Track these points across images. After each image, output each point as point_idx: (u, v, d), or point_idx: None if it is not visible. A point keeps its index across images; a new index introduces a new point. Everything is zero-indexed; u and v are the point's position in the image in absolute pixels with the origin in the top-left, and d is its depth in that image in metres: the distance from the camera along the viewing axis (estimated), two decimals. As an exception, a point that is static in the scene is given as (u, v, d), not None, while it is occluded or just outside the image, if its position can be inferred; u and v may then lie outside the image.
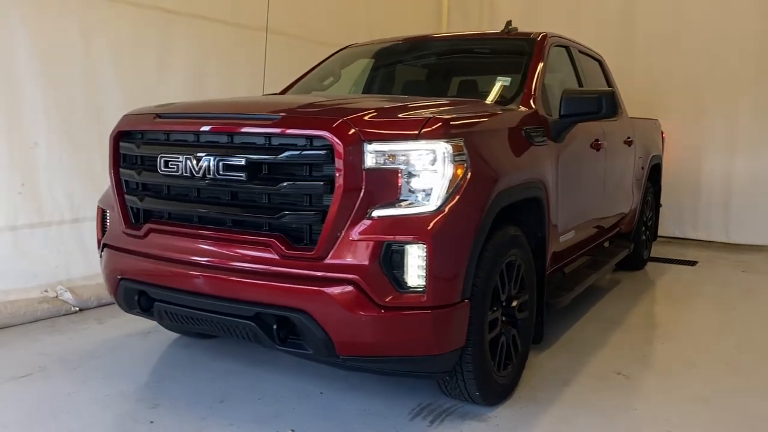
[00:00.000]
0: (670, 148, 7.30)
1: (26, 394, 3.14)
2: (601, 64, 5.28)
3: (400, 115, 2.72)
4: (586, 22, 7.92)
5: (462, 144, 2.66)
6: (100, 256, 3.29)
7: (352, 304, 2.51)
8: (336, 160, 2.50)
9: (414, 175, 2.58)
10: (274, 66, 5.97)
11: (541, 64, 3.84)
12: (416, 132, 2.58)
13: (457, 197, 2.61)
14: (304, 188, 2.58)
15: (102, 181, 4.77)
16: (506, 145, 3.05)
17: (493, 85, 3.82)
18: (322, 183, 2.55)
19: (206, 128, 2.76)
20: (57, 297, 4.46)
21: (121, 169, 3.10)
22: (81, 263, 4.73)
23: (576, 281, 4.19)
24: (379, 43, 4.67)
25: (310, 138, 2.58)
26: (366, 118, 2.62)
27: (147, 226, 2.97)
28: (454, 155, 2.61)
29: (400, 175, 2.57)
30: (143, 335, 4.01)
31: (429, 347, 2.60)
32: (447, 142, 2.60)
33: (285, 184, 2.58)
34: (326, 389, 3.22)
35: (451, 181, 2.60)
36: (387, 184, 2.57)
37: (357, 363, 2.71)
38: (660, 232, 7.08)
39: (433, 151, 2.57)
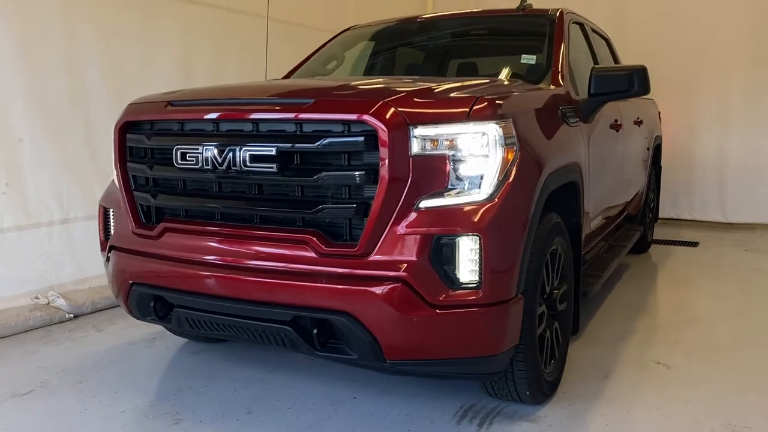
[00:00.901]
0: (664, 128, 7.20)
1: (32, 414, 2.86)
2: (608, 42, 5.12)
3: (444, 96, 2.49)
4: (575, 2, 7.75)
5: (511, 125, 2.45)
6: (106, 260, 3.00)
7: (401, 304, 2.29)
8: (380, 147, 2.27)
9: (463, 161, 2.36)
10: (258, 51, 5.70)
11: (564, 42, 3.64)
12: (466, 113, 2.35)
13: (509, 184, 2.40)
14: (344, 179, 2.34)
15: (91, 177, 4.50)
16: (548, 127, 2.85)
17: (517, 64, 3.61)
18: (363, 173, 2.31)
19: (229, 115, 2.50)
20: (49, 304, 4.16)
21: (128, 164, 2.83)
22: (72, 266, 4.43)
23: (601, 268, 4.03)
24: (383, 24, 4.42)
25: (347, 123, 2.34)
26: (409, 99, 2.39)
27: (161, 225, 2.71)
28: (505, 138, 2.40)
29: (447, 161, 2.35)
30: (148, 342, 3.73)
31: (484, 347, 2.40)
32: (497, 123, 2.38)
33: (322, 174, 2.34)
34: (359, 394, 3.00)
35: (501, 166, 2.39)
36: (434, 171, 2.35)
37: (405, 367, 2.49)
38: (656, 214, 7.01)
39: (485, 134, 2.36)
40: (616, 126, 4.14)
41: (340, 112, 2.35)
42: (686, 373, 3.25)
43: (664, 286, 5.01)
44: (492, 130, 2.36)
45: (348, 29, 4.57)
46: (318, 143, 2.34)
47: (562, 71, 3.43)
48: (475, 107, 2.37)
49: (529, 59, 3.54)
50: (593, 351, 3.52)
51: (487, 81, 2.79)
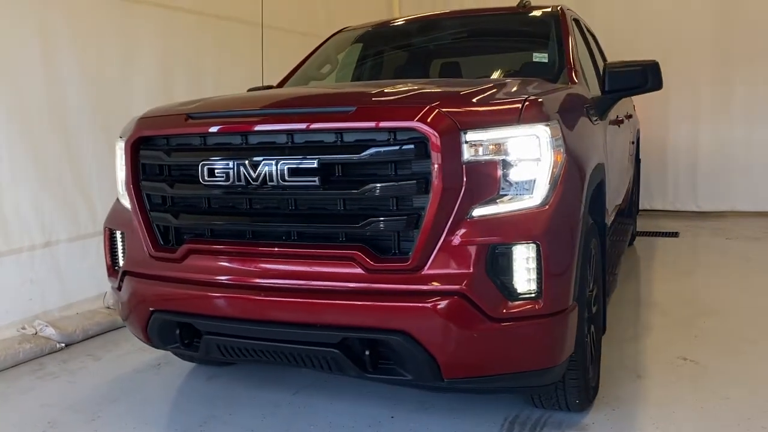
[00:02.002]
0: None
1: (47, 459, 2.63)
2: (594, 37, 5.11)
3: (491, 98, 2.38)
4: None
5: (558, 126, 2.36)
6: (118, 287, 2.78)
7: (460, 319, 2.18)
8: (432, 154, 2.15)
9: (514, 165, 2.25)
10: (238, 57, 5.51)
11: (571, 38, 3.59)
12: (516, 115, 2.25)
13: (560, 187, 2.30)
14: (394, 190, 2.20)
15: (74, 196, 4.23)
16: (581, 127, 2.78)
17: (527, 62, 3.53)
18: (414, 182, 2.18)
19: (262, 127, 2.33)
20: (37, 334, 3.88)
21: (142, 183, 2.62)
22: (57, 293, 4.16)
23: (613, 264, 4.00)
24: (379, 25, 4.30)
25: (393, 131, 2.21)
26: (457, 103, 2.27)
27: (184, 247, 2.51)
28: (554, 140, 2.30)
29: (498, 166, 2.24)
30: (154, 369, 3.51)
31: (545, 359, 2.30)
32: (547, 125, 2.29)
33: (370, 186, 2.20)
34: (395, 412, 2.87)
35: (552, 169, 2.29)
36: (485, 177, 2.23)
37: (463, 384, 2.37)
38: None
39: (536, 137, 2.26)
40: (617, 122, 4.12)
41: (385, 119, 2.22)
42: (716, 368, 3.22)
43: (661, 279, 5.02)
44: (543, 132, 2.27)
45: (339, 31, 4.42)
46: (364, 153, 2.20)
47: (575, 68, 3.37)
48: (525, 108, 2.27)
49: (541, 57, 3.47)
50: (617, 350, 3.48)
51: (518, 81, 2.69)
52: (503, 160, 2.24)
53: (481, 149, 2.22)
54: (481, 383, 2.38)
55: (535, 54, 3.53)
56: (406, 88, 2.47)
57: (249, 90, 4.06)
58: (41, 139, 4.02)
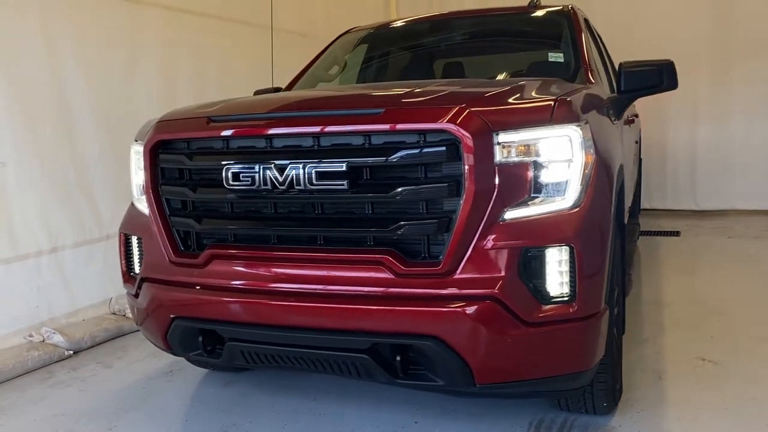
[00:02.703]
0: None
1: (67, 471, 2.57)
2: (599, 37, 5.09)
3: (522, 99, 2.34)
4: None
5: (588, 127, 2.33)
6: (135, 294, 2.72)
7: (494, 324, 2.14)
8: (465, 156, 2.11)
9: (546, 167, 2.21)
10: (239, 59, 5.46)
11: (585, 37, 3.57)
12: (548, 116, 2.22)
13: (591, 188, 2.27)
14: (425, 193, 2.17)
15: (79, 200, 4.17)
16: (606, 127, 2.76)
17: (542, 62, 3.51)
18: (446, 185, 2.15)
19: (290, 130, 2.29)
20: (45, 341, 3.81)
21: (162, 187, 2.56)
22: (63, 299, 4.10)
23: (629, 265, 3.98)
24: (388, 26, 4.26)
25: (423, 133, 2.17)
26: (489, 103, 2.23)
27: (207, 252, 2.46)
28: (584, 140, 2.27)
29: (529, 167, 2.21)
30: (166, 375, 3.46)
31: (580, 363, 2.27)
32: (578, 125, 2.26)
33: (401, 189, 2.16)
34: (420, 417, 2.83)
35: (583, 170, 2.26)
36: (517, 179, 2.19)
37: (495, 390, 2.33)
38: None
39: (568, 137, 2.22)
40: (628, 122, 4.10)
41: (415, 121, 2.18)
42: (737, 369, 3.21)
43: (668, 279, 5.01)
44: (574, 132, 2.24)
45: (347, 32, 4.38)
46: (394, 156, 2.16)
47: (591, 68, 3.35)
48: (557, 109, 2.23)
49: (557, 57, 3.44)
50: (635, 352, 3.46)
51: (543, 82, 2.65)
52: (535, 162, 2.21)
53: (513, 150, 2.18)
54: (513, 388, 2.34)
55: (550, 54, 3.50)
56: (435, 89, 2.43)
57: (256, 92, 4.01)
58: (46, 143, 3.96)
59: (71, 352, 3.83)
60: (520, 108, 2.28)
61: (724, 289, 4.63)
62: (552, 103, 2.25)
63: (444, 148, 2.14)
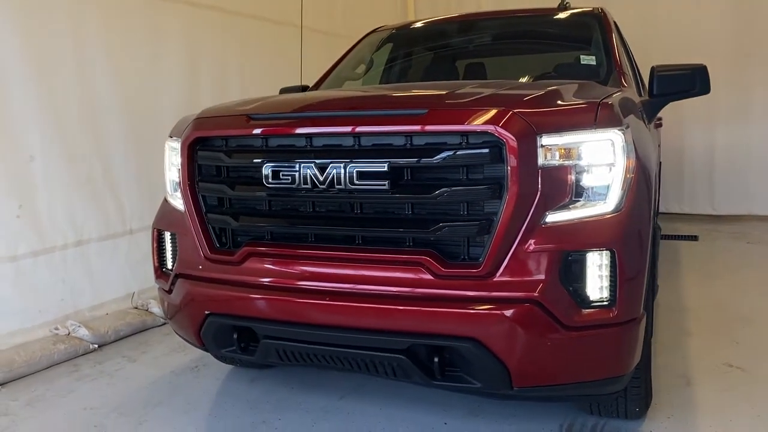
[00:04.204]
0: (655, 123, 7.29)
1: (99, 464, 2.58)
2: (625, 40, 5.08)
3: (566, 102, 2.33)
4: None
5: (629, 131, 2.32)
6: (169, 290, 2.73)
7: (534, 327, 2.14)
8: (509, 158, 2.10)
9: (588, 171, 2.21)
10: (264, 57, 5.47)
11: (616, 39, 3.55)
12: (592, 119, 2.21)
13: (632, 193, 2.26)
14: (467, 195, 2.17)
15: (104, 194, 4.18)
16: (642, 131, 2.74)
17: (572, 63, 3.50)
18: (488, 187, 2.14)
19: (332, 129, 2.29)
20: (70, 334, 3.83)
21: (199, 184, 2.57)
22: (88, 292, 4.12)
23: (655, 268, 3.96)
24: (420, 24, 4.25)
25: (466, 134, 2.17)
26: (533, 106, 2.23)
27: (244, 249, 2.47)
28: (626, 144, 2.26)
29: (571, 171, 2.20)
30: (192, 371, 3.47)
31: (618, 368, 2.27)
32: (621, 129, 2.25)
33: (443, 191, 2.16)
34: (449, 419, 2.83)
35: (625, 174, 2.25)
36: (559, 183, 2.19)
37: (532, 393, 2.33)
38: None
39: (611, 141, 2.21)
40: (657, 126, 4.08)
41: (459, 122, 2.17)
42: (764, 375, 3.20)
43: (691, 283, 5.00)
44: (617, 136, 2.23)
45: (373, 31, 4.38)
46: (437, 157, 2.16)
47: (624, 71, 3.34)
48: (600, 113, 2.23)
49: (589, 59, 3.43)
50: (661, 357, 3.45)
51: (579, 84, 2.64)
52: (578, 165, 2.20)
53: (556, 153, 2.18)
54: (550, 392, 2.34)
55: (582, 56, 3.49)
56: (476, 90, 2.42)
57: (282, 90, 4.02)
58: (73, 138, 3.98)
59: (96, 345, 3.84)
60: (564, 111, 2.27)
61: (746, 295, 4.61)
62: (596, 106, 2.24)
63: (487, 150, 2.14)
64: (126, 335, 4.05)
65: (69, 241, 3.98)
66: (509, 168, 2.11)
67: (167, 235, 2.83)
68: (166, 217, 2.84)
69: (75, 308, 4.01)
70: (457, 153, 2.16)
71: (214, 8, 5.03)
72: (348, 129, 2.26)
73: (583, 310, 2.17)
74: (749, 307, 4.32)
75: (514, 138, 2.10)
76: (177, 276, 2.68)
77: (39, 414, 3.02)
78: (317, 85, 4.01)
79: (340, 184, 2.25)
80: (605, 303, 2.18)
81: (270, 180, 2.35)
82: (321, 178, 2.27)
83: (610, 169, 2.23)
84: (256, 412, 2.96)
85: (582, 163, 2.20)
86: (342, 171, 2.24)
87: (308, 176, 2.28)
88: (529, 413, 2.83)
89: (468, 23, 4.17)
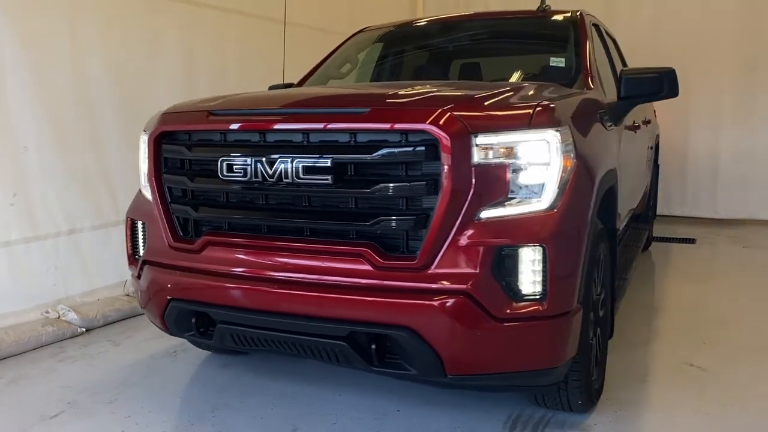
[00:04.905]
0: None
1: (67, 438, 2.75)
2: (615, 42, 5.13)
3: (504, 103, 2.43)
4: (566, 4, 7.75)
5: (569, 132, 2.41)
6: (138, 275, 2.89)
7: (465, 318, 2.24)
8: (443, 156, 2.21)
9: (524, 169, 2.31)
10: (268, 54, 5.60)
11: (589, 43, 3.62)
12: (527, 120, 2.30)
13: (568, 191, 2.35)
14: (404, 190, 2.27)
15: (98, 185, 4.36)
16: (594, 132, 2.82)
17: (543, 66, 3.58)
18: (424, 183, 2.25)
19: (280, 126, 2.42)
20: (60, 318, 4.01)
21: (164, 176, 2.71)
22: (80, 279, 4.29)
23: (625, 269, 4.03)
24: (400, 26, 4.36)
25: (405, 133, 2.27)
26: (469, 106, 2.33)
27: (203, 239, 2.60)
28: (564, 145, 2.35)
29: (507, 169, 2.30)
30: (170, 356, 3.62)
31: (547, 360, 2.36)
32: (557, 130, 2.34)
33: (381, 186, 2.27)
34: (402, 406, 2.94)
35: (561, 174, 2.34)
36: (494, 180, 2.29)
37: (466, 381, 2.43)
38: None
39: (546, 141, 2.31)
40: (633, 127, 4.14)
41: (398, 121, 2.28)
42: (723, 376, 3.25)
43: (674, 285, 5.03)
44: (553, 137, 2.32)
45: (360, 31, 4.49)
46: (376, 154, 2.27)
47: (592, 74, 3.41)
48: (536, 114, 2.32)
49: (558, 62, 3.50)
50: (624, 354, 3.51)
51: (532, 86, 2.74)
52: (513, 164, 2.30)
53: (491, 153, 2.27)
54: (483, 381, 2.45)
55: (552, 58, 3.57)
56: (420, 91, 2.53)
57: (270, 87, 4.16)
58: (68, 130, 4.15)
59: (84, 329, 4.02)
60: (500, 112, 2.37)
61: (729, 299, 4.63)
62: (532, 108, 2.33)
63: (424, 148, 2.24)
64: (114, 320, 4.22)
65: (62, 230, 4.16)
66: (444, 165, 2.22)
67: (139, 224, 2.98)
68: (138, 207, 2.99)
69: (67, 294, 4.19)
70: (396, 150, 2.27)
71: (211, 6, 5.18)
72: (294, 126, 2.39)
73: (515, 303, 2.27)
74: (727, 309, 4.35)
75: (448, 137, 2.20)
76: (144, 262, 2.83)
77: (20, 390, 3.20)
78: (301, 83, 4.13)
79: (288, 178, 2.37)
80: (536, 297, 2.27)
81: (225, 173, 2.48)
82: (270, 172, 2.39)
83: (546, 169, 2.32)
84: (221, 395, 3.10)
85: (517, 162, 2.30)
86: (289, 166, 2.36)
87: (258, 170, 2.41)
88: (480, 404, 2.93)
89: (449, 25, 4.26)
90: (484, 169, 2.27)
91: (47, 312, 3.99)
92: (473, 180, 2.25)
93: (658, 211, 7.80)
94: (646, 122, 5.10)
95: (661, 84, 3.36)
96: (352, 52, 4.32)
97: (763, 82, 7.22)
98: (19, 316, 3.87)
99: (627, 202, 3.88)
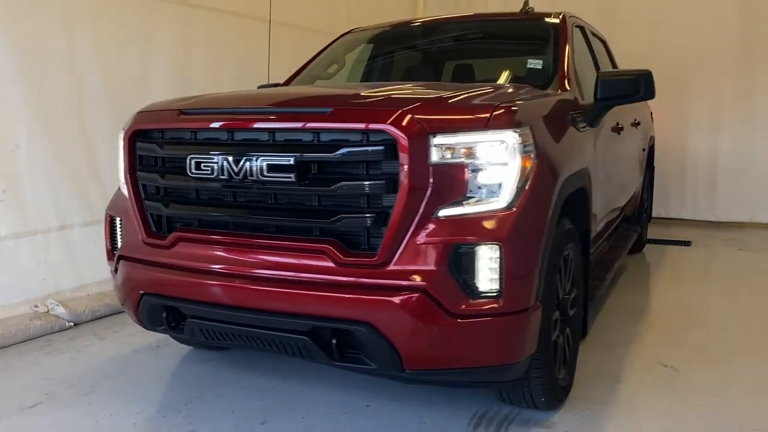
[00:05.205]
0: (657, 128, 7.25)
1: (42, 428, 2.81)
2: (605, 44, 5.15)
3: (463, 104, 2.48)
4: (564, 5, 7.75)
5: (529, 133, 2.45)
6: (115, 270, 2.96)
7: (422, 314, 2.28)
8: (400, 155, 2.26)
9: (482, 170, 2.35)
10: (257, 54, 5.67)
11: (568, 45, 3.65)
12: (485, 122, 2.35)
13: (527, 191, 2.39)
14: (363, 188, 2.32)
15: (88, 183, 4.44)
16: (561, 133, 2.86)
17: (522, 68, 3.61)
18: (383, 182, 2.30)
19: (246, 125, 2.47)
20: (48, 312, 4.09)
21: (138, 173, 2.78)
22: (70, 274, 4.37)
23: (604, 270, 4.05)
24: (385, 27, 4.41)
25: (365, 132, 2.33)
26: (428, 108, 2.38)
27: (174, 235, 2.67)
28: (524, 145, 2.39)
29: (466, 169, 2.34)
30: (153, 350, 3.69)
31: (505, 356, 2.40)
32: (516, 131, 2.38)
33: (341, 184, 2.32)
34: (372, 401, 2.99)
35: (520, 174, 2.38)
36: (453, 180, 2.34)
37: (424, 376, 2.48)
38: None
39: (503, 142, 2.35)
40: (617, 129, 4.16)
41: (358, 121, 2.34)
42: (695, 376, 3.27)
43: (662, 287, 5.05)
44: (511, 138, 2.36)
45: (348, 32, 4.55)
46: (337, 153, 2.32)
47: (568, 76, 3.44)
48: (494, 115, 2.36)
49: (535, 64, 3.54)
50: (600, 355, 3.54)
51: (501, 87, 2.78)
52: (471, 164, 2.34)
53: (448, 153, 2.32)
54: (442, 376, 2.49)
55: (529, 60, 3.60)
56: (384, 92, 2.58)
57: (259, 87, 4.22)
58: (59, 129, 4.23)
59: (72, 323, 4.10)
60: (459, 113, 2.41)
61: (714, 301, 4.65)
62: (490, 110, 2.38)
63: (383, 148, 2.29)
64: (103, 315, 4.30)
65: (52, 226, 4.24)
66: (402, 164, 2.26)
67: (117, 221, 3.05)
68: (116, 203, 3.06)
69: (56, 288, 4.27)
70: (357, 149, 2.33)
71: (205, 7, 5.26)
72: (259, 125, 2.45)
73: (471, 300, 2.31)
74: (710, 311, 4.37)
75: (405, 137, 2.25)
76: (120, 257, 2.90)
77: (2, 382, 3.28)
78: (287, 83, 4.20)
79: (253, 176, 2.43)
80: (493, 294, 2.31)
81: (194, 170, 2.54)
82: (236, 170, 2.45)
83: (504, 169, 2.36)
84: (197, 388, 3.16)
85: (475, 162, 2.34)
86: (254, 164, 2.41)
87: (225, 168, 2.47)
88: (448, 400, 2.97)
89: (434, 27, 4.30)
90: (442, 169, 2.32)
91: (36, 306, 4.08)
92: (431, 179, 2.30)
93: (657, 214, 7.81)
94: (636, 124, 5.11)
95: (638, 86, 3.38)
96: (339, 53, 4.38)
97: (762, 84, 7.21)
98: (9, 309, 3.95)
99: (606, 203, 3.89)
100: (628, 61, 7.41)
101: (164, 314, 2.71)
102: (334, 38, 4.56)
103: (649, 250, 6.32)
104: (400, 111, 2.30)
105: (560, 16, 3.91)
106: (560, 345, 2.88)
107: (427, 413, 2.87)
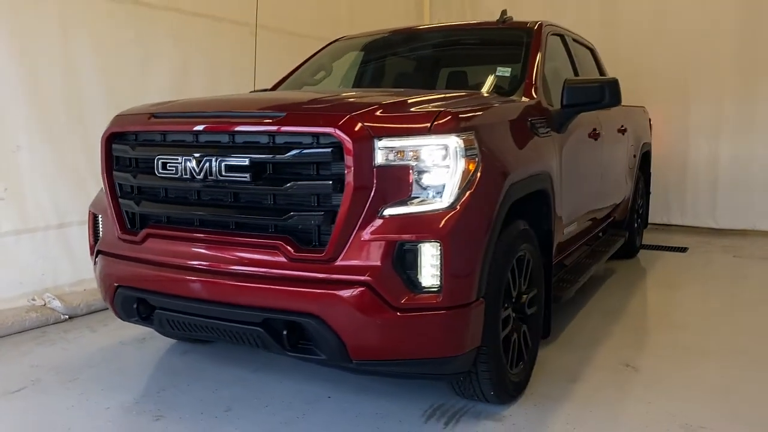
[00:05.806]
0: (656, 135, 7.29)
1: (22, 410, 3.01)
2: (593, 52, 5.24)
3: (408, 110, 2.62)
4: (568, 10, 7.87)
5: (473, 138, 2.58)
6: (95, 263, 3.15)
7: (365, 308, 2.42)
8: (345, 157, 2.41)
9: (425, 172, 2.49)
10: (261, 61, 5.86)
11: (540, 54, 3.76)
12: (427, 127, 2.49)
13: (470, 193, 2.52)
14: (312, 188, 2.48)
15: (87, 183, 4.66)
16: (514, 138, 2.97)
17: (492, 76, 3.73)
18: (330, 182, 2.45)
19: (204, 128, 2.65)
20: (45, 305, 4.31)
21: (114, 172, 2.97)
22: (68, 270, 4.59)
23: (578, 273, 4.14)
24: (371, 36, 4.57)
25: (316, 135, 2.48)
26: (374, 113, 2.52)
27: (144, 231, 2.85)
28: (466, 149, 2.52)
29: (411, 171, 2.48)
30: (138, 342, 3.88)
31: (445, 349, 2.52)
32: (458, 136, 2.51)
33: (291, 184, 2.48)
34: (334, 393, 3.13)
35: (463, 176, 2.51)
36: (398, 181, 2.48)
37: (371, 367, 2.61)
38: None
39: (445, 146, 2.49)
40: (594, 135, 4.25)
41: (308, 125, 2.49)
42: (653, 376, 3.35)
43: (646, 291, 5.11)
44: (453, 142, 2.49)
45: (337, 40, 4.71)
46: (288, 154, 2.48)
47: (535, 83, 3.55)
48: (436, 121, 2.50)
49: (504, 71, 3.66)
50: (565, 355, 3.63)
51: (455, 95, 2.91)
52: (416, 166, 2.48)
53: (392, 155, 2.46)
54: (388, 366, 2.62)
55: (498, 68, 3.72)
56: (338, 98, 2.73)
57: (251, 92, 4.40)
58: (59, 130, 4.46)
59: (67, 316, 4.32)
60: (403, 118, 2.55)
61: (698, 304, 4.70)
62: (433, 115, 2.51)
63: (330, 150, 2.44)
64: (98, 309, 4.50)
65: (51, 223, 4.47)
66: (347, 166, 2.41)
67: (100, 218, 3.24)
68: (98, 202, 3.26)
69: (55, 283, 4.49)
70: (307, 151, 2.48)
71: (200, 15, 5.46)
72: (218, 127, 2.62)
73: (413, 294, 2.44)
74: (689, 315, 4.42)
75: (350, 140, 2.40)
76: (98, 252, 3.09)
77: (-6, 368, 3.50)
78: (274, 88, 4.37)
79: (213, 176, 2.59)
80: (433, 289, 2.44)
81: (161, 170, 2.72)
82: (197, 170, 2.62)
83: (446, 171, 2.49)
84: (172, 378, 3.34)
85: (419, 164, 2.48)
86: (214, 164, 2.58)
87: (188, 168, 2.64)
88: (407, 392, 3.10)
89: (418, 36, 4.45)
90: (387, 171, 2.46)
91: (33, 299, 4.30)
92: (375, 180, 2.44)
93: (659, 220, 7.85)
94: (623, 130, 5.19)
95: (603, 93, 3.48)
96: (326, 60, 4.54)
97: (763, 91, 7.20)
98: (7, 302, 4.18)
99: (578, 207, 3.99)
100: (629, 67, 7.52)
101: (135, 306, 2.89)
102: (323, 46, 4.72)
103: (644, 256, 6.36)
104: (348, 116, 2.45)
105: (536, 25, 4.02)
106: (514, 342, 2.98)
107: (385, 404, 3.00)
